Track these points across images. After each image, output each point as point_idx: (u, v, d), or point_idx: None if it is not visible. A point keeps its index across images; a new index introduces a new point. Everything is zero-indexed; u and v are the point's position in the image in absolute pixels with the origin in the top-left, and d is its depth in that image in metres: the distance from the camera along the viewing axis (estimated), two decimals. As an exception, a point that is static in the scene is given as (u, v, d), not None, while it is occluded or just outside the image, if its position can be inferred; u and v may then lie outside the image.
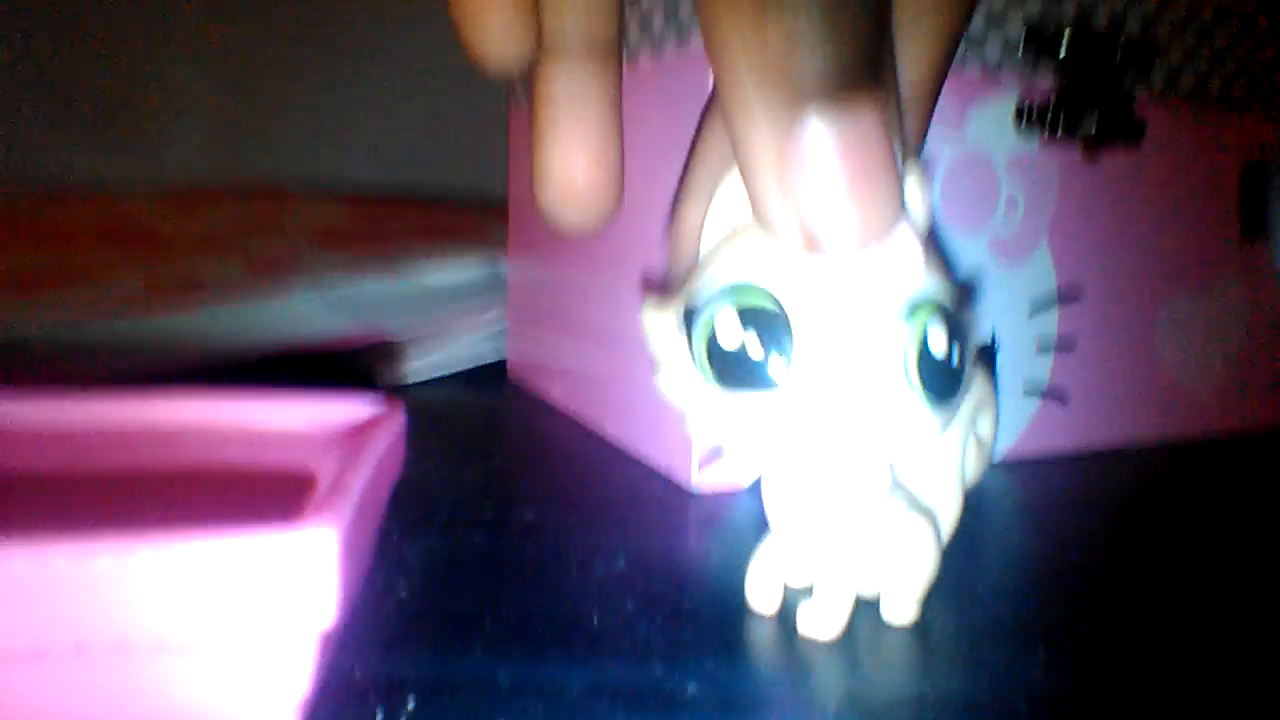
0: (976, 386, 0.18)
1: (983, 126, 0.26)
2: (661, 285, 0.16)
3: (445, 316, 0.36)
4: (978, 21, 0.25)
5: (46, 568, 0.10)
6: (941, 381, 0.13)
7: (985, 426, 0.19)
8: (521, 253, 0.36)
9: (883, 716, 0.14)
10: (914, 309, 0.13)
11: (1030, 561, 0.21)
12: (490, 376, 0.37)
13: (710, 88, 0.16)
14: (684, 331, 0.14)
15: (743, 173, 0.13)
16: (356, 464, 0.14)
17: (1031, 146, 0.26)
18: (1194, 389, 0.31)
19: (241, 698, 0.12)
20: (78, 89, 0.70)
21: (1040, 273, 0.27)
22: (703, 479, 0.23)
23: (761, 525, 0.17)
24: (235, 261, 0.42)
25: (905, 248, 0.13)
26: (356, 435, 0.16)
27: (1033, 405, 0.28)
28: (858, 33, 0.11)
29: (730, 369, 0.13)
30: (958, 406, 0.14)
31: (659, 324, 0.14)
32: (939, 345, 0.13)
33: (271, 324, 0.34)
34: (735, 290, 0.13)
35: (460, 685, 0.14)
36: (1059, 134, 0.26)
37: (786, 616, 0.16)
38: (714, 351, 0.13)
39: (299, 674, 0.12)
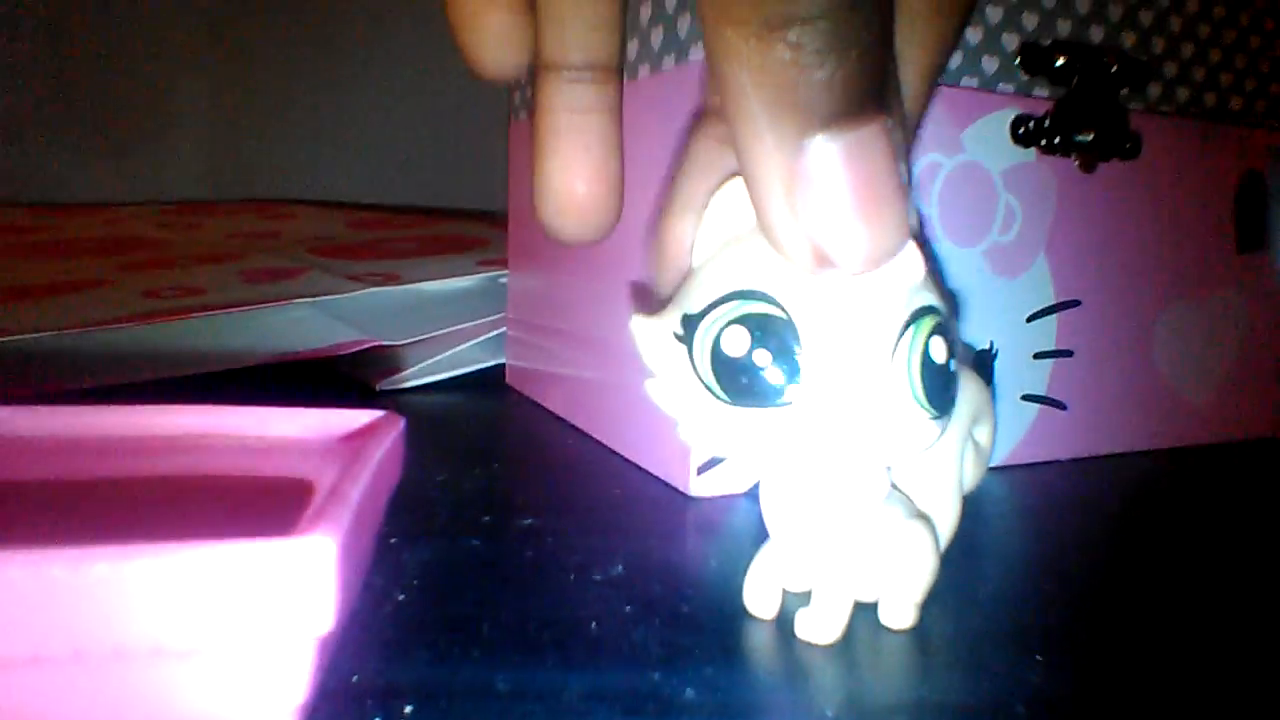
0: (974, 394, 0.19)
1: (980, 139, 0.26)
2: (648, 296, 0.16)
3: (444, 325, 0.36)
4: (975, 36, 0.25)
5: (45, 575, 0.10)
6: (941, 389, 0.14)
7: (983, 434, 0.19)
8: (521, 261, 0.36)
9: (881, 722, 0.14)
10: (917, 318, 0.13)
11: (1028, 566, 0.21)
12: (489, 384, 0.37)
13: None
14: (683, 339, 0.14)
15: (751, 193, 0.13)
16: (355, 472, 0.14)
17: (1029, 159, 0.26)
18: (1191, 397, 0.31)
19: (240, 704, 0.12)
20: (78, 101, 0.70)
21: (1038, 283, 0.27)
22: (700, 485, 0.23)
23: (759, 530, 0.17)
24: (234, 270, 0.42)
25: (908, 257, 0.13)
26: (355, 443, 0.16)
27: (1031, 413, 0.28)
28: (864, 54, 0.11)
29: (735, 375, 0.13)
30: (952, 413, 0.14)
31: (650, 333, 0.14)
32: (940, 353, 0.13)
33: (270, 333, 0.34)
34: (740, 296, 0.13)
35: (458, 691, 0.14)
36: (1056, 148, 0.26)
37: (785, 622, 0.16)
38: (718, 358, 0.13)
39: (297, 680, 0.12)
